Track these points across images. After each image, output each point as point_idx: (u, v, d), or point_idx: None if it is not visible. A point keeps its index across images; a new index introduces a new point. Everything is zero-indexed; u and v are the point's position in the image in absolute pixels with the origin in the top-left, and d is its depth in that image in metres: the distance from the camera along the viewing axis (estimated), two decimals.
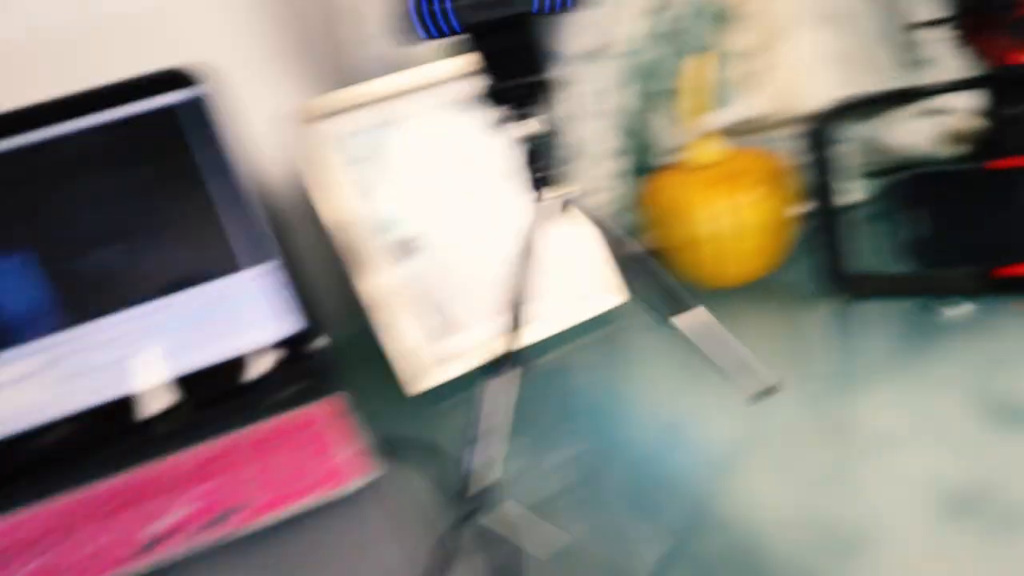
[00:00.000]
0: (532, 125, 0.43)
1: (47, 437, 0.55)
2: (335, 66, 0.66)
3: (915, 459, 0.42)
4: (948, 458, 0.41)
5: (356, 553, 0.41)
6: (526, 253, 0.46)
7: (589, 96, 0.64)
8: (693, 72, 0.55)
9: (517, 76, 0.41)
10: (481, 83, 0.42)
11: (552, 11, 0.39)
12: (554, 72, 0.41)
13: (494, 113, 0.43)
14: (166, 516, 0.46)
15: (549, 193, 0.45)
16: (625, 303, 0.62)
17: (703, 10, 0.65)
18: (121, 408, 0.56)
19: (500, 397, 0.45)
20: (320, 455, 0.48)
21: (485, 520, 0.42)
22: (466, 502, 0.43)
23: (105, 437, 0.55)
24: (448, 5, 0.40)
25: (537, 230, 0.46)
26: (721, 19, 0.66)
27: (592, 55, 0.64)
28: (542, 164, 0.43)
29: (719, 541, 0.39)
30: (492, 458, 0.45)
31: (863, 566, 0.36)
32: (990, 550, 0.36)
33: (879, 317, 0.55)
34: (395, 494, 0.44)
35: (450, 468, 0.47)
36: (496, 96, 0.41)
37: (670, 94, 0.67)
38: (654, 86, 0.66)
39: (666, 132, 0.67)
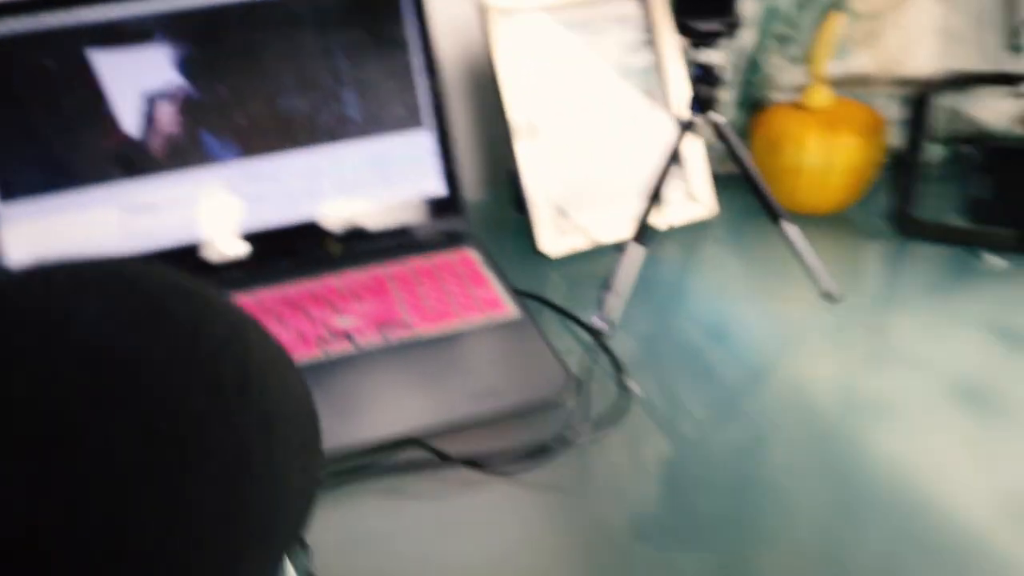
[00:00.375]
0: (707, 56, 0.53)
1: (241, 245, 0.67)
2: None
3: (935, 365, 0.53)
4: (961, 366, 0.53)
5: (494, 370, 0.53)
6: (670, 158, 0.57)
7: None
8: (825, 26, 0.64)
9: (706, 16, 0.50)
10: (670, 13, 0.52)
11: None
12: (736, 16, 0.51)
13: (677, 40, 0.52)
14: (337, 320, 0.58)
15: (702, 114, 0.55)
16: (713, 216, 0.74)
17: None
18: (291, 233, 0.67)
19: (627, 265, 0.57)
20: (461, 293, 0.60)
21: (604, 359, 0.55)
22: (596, 339, 0.55)
23: (282, 252, 0.67)
24: None
25: (682, 141, 0.56)
26: None
27: None
28: (705, 89, 0.53)
29: (767, 398, 0.51)
30: (613, 311, 0.57)
31: (885, 427, 0.48)
32: (981, 431, 0.48)
33: (932, 257, 0.66)
34: (524, 331, 0.56)
35: (565, 319, 0.60)
36: (683, 29, 0.51)
37: (790, 38, 0.77)
38: (778, 29, 0.76)
39: (781, 72, 0.77)
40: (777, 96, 0.78)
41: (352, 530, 0.43)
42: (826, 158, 0.65)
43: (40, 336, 0.14)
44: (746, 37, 0.75)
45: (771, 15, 0.75)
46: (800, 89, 0.71)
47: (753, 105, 0.80)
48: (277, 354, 0.18)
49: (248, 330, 0.18)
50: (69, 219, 0.64)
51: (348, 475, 0.46)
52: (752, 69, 0.77)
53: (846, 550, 0.41)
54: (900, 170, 0.66)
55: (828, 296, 0.58)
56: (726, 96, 0.78)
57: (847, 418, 0.49)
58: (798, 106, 0.68)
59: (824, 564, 0.40)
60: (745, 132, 0.80)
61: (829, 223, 0.71)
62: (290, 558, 0.25)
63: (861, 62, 0.76)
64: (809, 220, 0.70)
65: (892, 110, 0.76)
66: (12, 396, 0.14)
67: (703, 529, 0.42)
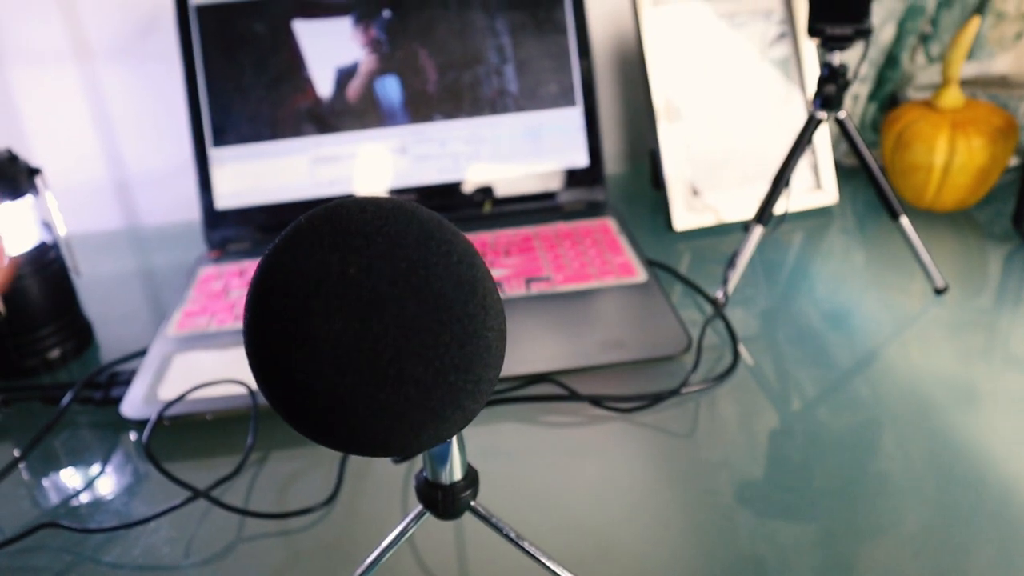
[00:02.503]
0: (836, 57, 0.58)
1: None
2: None
3: None
4: None
5: (621, 326, 0.60)
6: (797, 147, 0.63)
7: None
8: (963, 29, 0.68)
9: (839, 21, 0.56)
10: (806, 15, 0.58)
11: None
12: (868, 23, 0.56)
13: (810, 40, 0.58)
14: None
15: (828, 111, 0.61)
16: (833, 205, 0.79)
17: None
18: (451, 190, 0.77)
19: (750, 244, 0.64)
20: (598, 256, 0.68)
21: (721, 328, 0.62)
22: (715, 308, 0.62)
23: (441, 207, 0.77)
24: None
25: (809, 133, 0.62)
26: None
27: None
28: (830, 88, 0.59)
29: (877, 385, 0.55)
30: (730, 286, 0.64)
31: (993, 424, 0.51)
32: None
33: None
34: (651, 295, 0.64)
35: (688, 288, 0.67)
36: (815, 31, 0.57)
37: (930, 37, 0.80)
38: (918, 27, 0.79)
39: (919, 69, 0.81)
40: (912, 93, 0.82)
41: (491, 444, 0.52)
42: (953, 158, 0.70)
43: (366, 238, 0.24)
44: (886, 32, 0.79)
45: (913, 12, 0.79)
46: (936, 88, 0.75)
47: (887, 100, 0.84)
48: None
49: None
50: (267, 164, 0.76)
51: (492, 400, 0.55)
52: (889, 64, 0.81)
53: (949, 543, 0.42)
54: None
55: (940, 292, 0.63)
56: (861, 90, 0.82)
57: (956, 412, 0.52)
58: (929, 105, 0.72)
59: (926, 557, 0.41)
60: (877, 126, 0.84)
61: (954, 221, 0.75)
62: (460, 445, 0.35)
63: (1003, 63, 0.79)
64: (934, 217, 0.75)
65: None
66: (348, 276, 0.23)
67: (803, 504, 0.46)
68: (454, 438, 0.34)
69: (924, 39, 0.81)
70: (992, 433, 0.50)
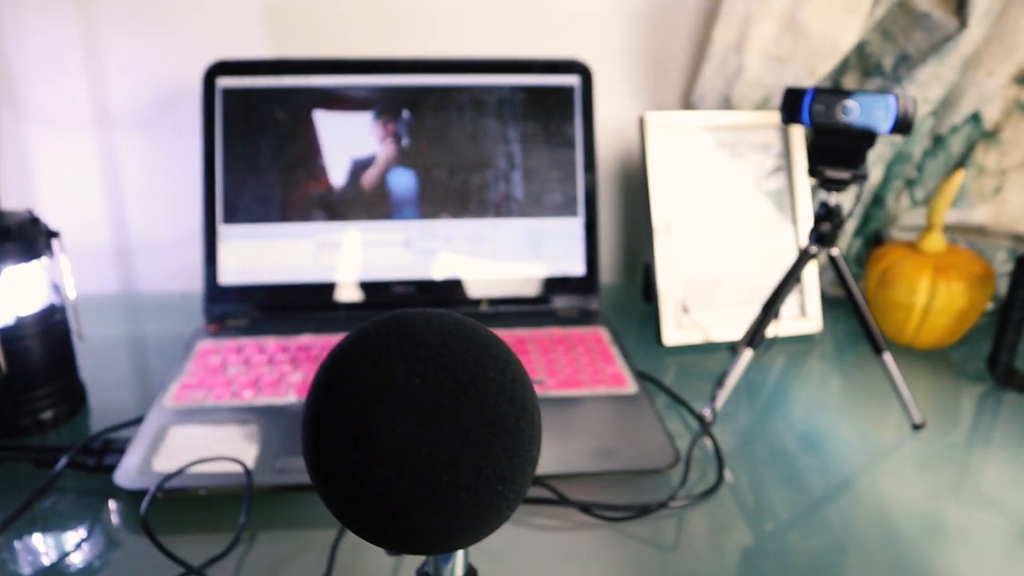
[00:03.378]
0: (833, 198, 0.63)
1: (396, 290, 0.80)
2: (677, 93, 0.88)
3: (1010, 509, 0.60)
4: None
5: (611, 436, 0.63)
6: (789, 278, 0.67)
7: None
8: (947, 181, 0.74)
9: (837, 165, 0.61)
10: (805, 157, 0.63)
11: (891, 133, 0.58)
12: (864, 169, 0.61)
13: (807, 178, 0.63)
14: None
15: (820, 246, 0.65)
16: (818, 334, 0.83)
17: (969, 123, 0.84)
18: (450, 286, 0.80)
19: (739, 366, 0.67)
20: (590, 364, 0.71)
21: (705, 444, 0.65)
22: (702, 426, 0.65)
23: (440, 302, 0.80)
24: (806, 108, 0.61)
25: (799, 267, 0.67)
26: (981, 135, 0.84)
27: None
28: (825, 226, 0.64)
29: (848, 511, 0.58)
30: (718, 404, 0.67)
31: (956, 557, 0.54)
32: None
33: (1018, 408, 0.73)
34: (641, 407, 0.66)
35: (675, 403, 0.70)
36: (814, 172, 0.62)
37: (915, 182, 0.86)
38: (904, 172, 0.85)
39: (903, 211, 0.87)
40: (896, 233, 0.87)
41: (480, 544, 0.54)
42: (934, 300, 0.74)
43: (431, 350, 0.26)
44: (874, 174, 0.85)
45: (900, 158, 0.85)
46: (918, 229, 0.80)
47: (872, 236, 0.89)
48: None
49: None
50: (273, 245, 0.79)
51: None
52: (876, 204, 0.87)
53: None
54: (1003, 320, 0.74)
55: (917, 427, 0.67)
56: (848, 225, 0.87)
57: (922, 545, 0.55)
58: (913, 247, 0.77)
59: None
60: (861, 261, 0.89)
61: (930, 359, 0.79)
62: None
63: (982, 214, 0.85)
64: (911, 353, 0.79)
65: (1004, 260, 0.84)
66: (414, 386, 0.26)
67: None
68: None
69: (909, 183, 0.87)
70: (956, 569, 0.53)
